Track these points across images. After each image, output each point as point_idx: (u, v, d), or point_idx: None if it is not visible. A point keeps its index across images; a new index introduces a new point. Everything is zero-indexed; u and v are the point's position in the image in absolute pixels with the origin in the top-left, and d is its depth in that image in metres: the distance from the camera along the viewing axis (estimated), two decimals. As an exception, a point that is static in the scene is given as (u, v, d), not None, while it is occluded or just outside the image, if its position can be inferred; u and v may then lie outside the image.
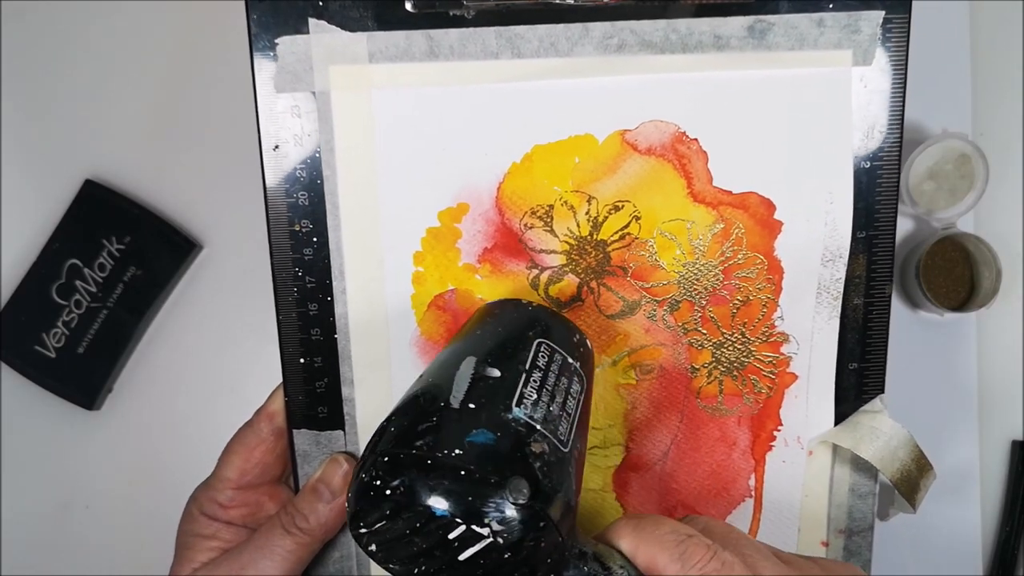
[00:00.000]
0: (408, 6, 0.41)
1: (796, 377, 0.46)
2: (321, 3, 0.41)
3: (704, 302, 0.45)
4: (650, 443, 0.47)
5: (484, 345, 0.36)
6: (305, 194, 0.42)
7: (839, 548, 0.48)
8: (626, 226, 0.44)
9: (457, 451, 0.31)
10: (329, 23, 0.41)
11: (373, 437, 0.33)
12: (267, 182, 0.42)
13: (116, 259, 0.60)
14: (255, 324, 0.62)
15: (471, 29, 0.41)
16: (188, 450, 0.63)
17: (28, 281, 0.60)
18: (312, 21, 0.41)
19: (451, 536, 0.30)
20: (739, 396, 0.46)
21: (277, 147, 0.42)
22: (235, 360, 0.63)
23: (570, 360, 0.37)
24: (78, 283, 0.60)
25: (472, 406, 0.33)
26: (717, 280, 0.45)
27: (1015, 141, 0.63)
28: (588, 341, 0.40)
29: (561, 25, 0.41)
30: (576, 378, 0.37)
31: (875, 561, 0.48)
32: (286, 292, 0.43)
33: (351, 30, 0.41)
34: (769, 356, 0.45)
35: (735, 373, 0.46)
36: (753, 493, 0.47)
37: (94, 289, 0.60)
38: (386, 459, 0.31)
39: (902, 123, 0.43)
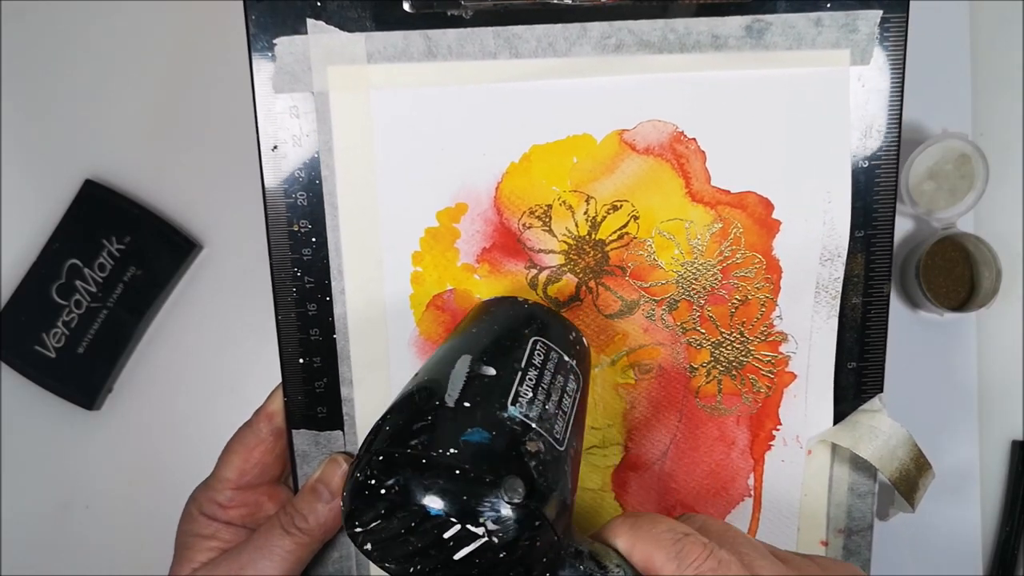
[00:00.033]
0: (406, 6, 0.41)
1: (795, 376, 0.46)
2: (319, 3, 0.41)
3: (703, 301, 0.45)
4: (649, 442, 0.47)
5: (479, 343, 0.36)
6: (304, 194, 0.42)
7: (838, 547, 0.48)
8: (624, 226, 0.44)
9: (452, 450, 0.31)
10: (327, 23, 0.41)
11: (368, 435, 0.33)
12: (266, 182, 0.42)
13: (116, 259, 0.60)
14: (255, 324, 0.62)
15: (469, 29, 0.41)
16: (188, 450, 0.63)
17: (28, 281, 0.60)
18: (310, 22, 0.41)
19: (446, 535, 0.30)
20: (738, 395, 0.46)
21: (276, 147, 0.42)
22: (235, 360, 0.63)
23: (566, 358, 0.37)
24: (78, 283, 0.60)
25: (467, 405, 0.33)
26: (715, 279, 0.45)
27: (1015, 141, 0.63)
28: (584, 339, 0.40)
29: (559, 25, 0.41)
30: (572, 376, 0.37)
31: (874, 561, 0.48)
32: (285, 292, 0.43)
33: (349, 30, 0.41)
34: (768, 355, 0.45)
35: (734, 372, 0.46)
36: (752, 492, 0.47)
37: (94, 289, 0.60)
38: (381, 458, 0.31)
39: (900, 122, 0.43)
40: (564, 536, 0.32)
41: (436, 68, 0.42)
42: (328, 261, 0.43)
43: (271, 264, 0.43)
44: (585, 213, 0.44)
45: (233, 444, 0.45)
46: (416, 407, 0.33)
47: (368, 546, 0.32)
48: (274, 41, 0.41)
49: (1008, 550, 0.63)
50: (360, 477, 0.31)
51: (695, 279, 0.45)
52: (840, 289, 0.44)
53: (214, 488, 0.44)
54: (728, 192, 0.44)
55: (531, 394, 0.34)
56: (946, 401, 0.63)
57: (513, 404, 0.33)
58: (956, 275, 0.62)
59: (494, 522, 0.30)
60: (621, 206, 0.44)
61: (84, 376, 0.61)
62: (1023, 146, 0.62)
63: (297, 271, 0.43)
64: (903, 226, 0.62)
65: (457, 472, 0.30)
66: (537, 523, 0.31)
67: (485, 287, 0.44)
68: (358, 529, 0.32)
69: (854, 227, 0.44)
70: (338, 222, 0.43)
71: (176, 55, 0.62)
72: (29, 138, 0.62)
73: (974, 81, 0.62)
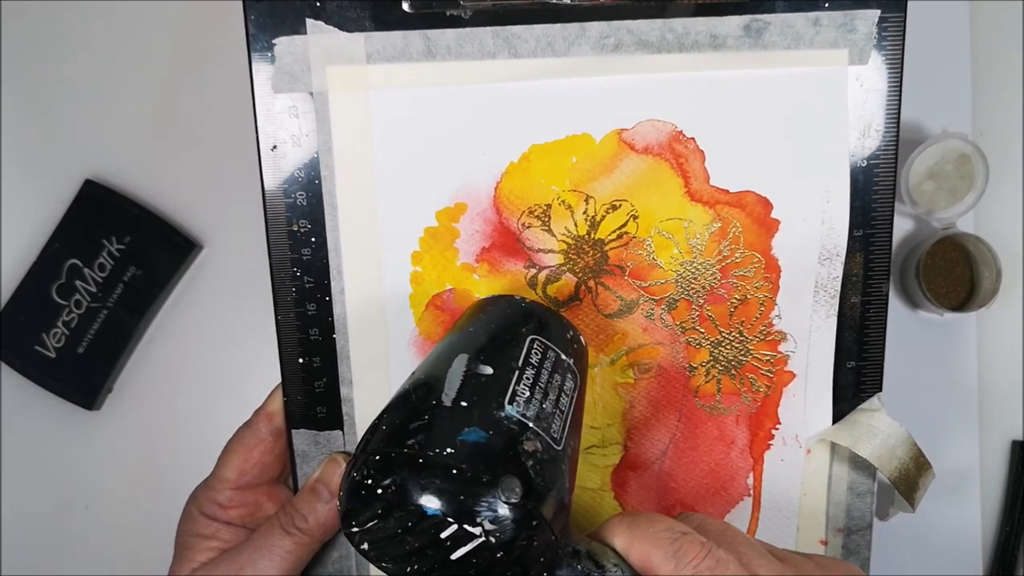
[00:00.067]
0: (405, 6, 0.41)
1: (794, 376, 0.46)
2: (318, 4, 0.41)
3: (702, 301, 0.45)
4: (648, 442, 0.47)
5: (476, 342, 0.36)
6: (303, 194, 0.42)
7: (838, 547, 0.48)
8: (623, 225, 0.44)
9: (449, 450, 0.31)
10: (326, 24, 0.41)
11: (365, 435, 0.33)
12: (265, 182, 0.42)
13: (116, 259, 0.60)
14: (255, 324, 0.62)
15: (468, 29, 0.41)
16: (188, 450, 0.63)
17: (28, 281, 0.60)
18: (310, 22, 0.41)
19: (443, 535, 0.30)
20: (737, 395, 0.46)
21: (275, 147, 0.42)
22: (235, 360, 0.63)
23: (563, 357, 0.37)
24: (78, 283, 0.60)
25: (464, 404, 0.33)
26: (714, 279, 0.45)
27: (1015, 141, 0.63)
28: (582, 337, 0.40)
29: (558, 25, 0.41)
30: (570, 375, 0.37)
31: (874, 561, 0.48)
32: (285, 292, 0.43)
33: (348, 30, 0.41)
34: (767, 355, 0.45)
35: (733, 372, 0.46)
36: (751, 492, 0.47)
37: (94, 289, 0.60)
38: (377, 458, 0.31)
39: (898, 122, 0.43)
40: (561, 535, 0.32)
41: (435, 68, 0.42)
42: (327, 261, 0.43)
43: (271, 264, 0.43)
44: (584, 213, 0.44)
45: (233, 444, 0.45)
46: (413, 406, 0.33)
47: (365, 546, 0.32)
48: (273, 41, 0.41)
49: (1008, 550, 0.63)
50: (357, 477, 0.31)
51: (694, 278, 0.45)
52: (839, 288, 0.44)
53: (214, 488, 0.44)
54: (727, 191, 0.44)
55: (528, 393, 0.34)
56: (946, 401, 0.63)
57: (510, 403, 0.33)
58: (956, 275, 0.62)
59: (491, 522, 0.30)
60: (620, 206, 0.44)
61: (84, 376, 0.61)
62: (1023, 146, 0.62)
63: (297, 271, 0.43)
64: (903, 226, 0.62)
65: (454, 472, 0.30)
66: (534, 523, 0.31)
67: (484, 287, 0.44)
68: (355, 529, 0.32)
69: (853, 226, 0.44)
70: (337, 222, 0.43)
71: (176, 55, 0.62)
72: (29, 138, 0.62)
73: (974, 81, 0.62)
